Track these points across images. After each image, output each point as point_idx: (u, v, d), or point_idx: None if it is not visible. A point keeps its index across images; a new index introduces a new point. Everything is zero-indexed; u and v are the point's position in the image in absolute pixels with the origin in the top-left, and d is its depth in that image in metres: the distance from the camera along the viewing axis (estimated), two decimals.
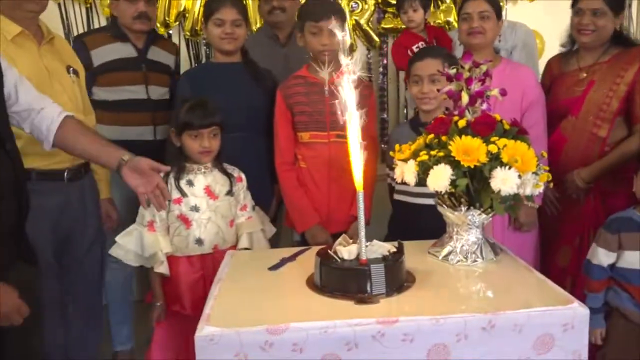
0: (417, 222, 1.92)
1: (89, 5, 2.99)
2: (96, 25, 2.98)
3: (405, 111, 3.34)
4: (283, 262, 1.56)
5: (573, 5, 2.33)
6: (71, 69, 2.06)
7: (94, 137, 1.67)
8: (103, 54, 2.44)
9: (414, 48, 2.77)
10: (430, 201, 1.87)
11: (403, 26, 2.97)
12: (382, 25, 3.28)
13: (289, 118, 2.23)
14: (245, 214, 2.04)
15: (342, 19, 2.17)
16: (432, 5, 3.19)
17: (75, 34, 2.94)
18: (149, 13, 2.48)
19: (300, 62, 2.60)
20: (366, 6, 3.24)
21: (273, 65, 2.47)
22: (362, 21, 3.25)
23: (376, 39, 3.29)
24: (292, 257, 1.59)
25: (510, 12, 3.10)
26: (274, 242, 2.32)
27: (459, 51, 2.57)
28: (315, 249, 1.63)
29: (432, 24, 3.22)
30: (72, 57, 2.14)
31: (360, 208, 1.34)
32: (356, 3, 3.20)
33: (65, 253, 2.03)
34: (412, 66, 2.02)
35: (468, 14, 2.25)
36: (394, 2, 3.11)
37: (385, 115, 3.37)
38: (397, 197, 2.07)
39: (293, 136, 2.25)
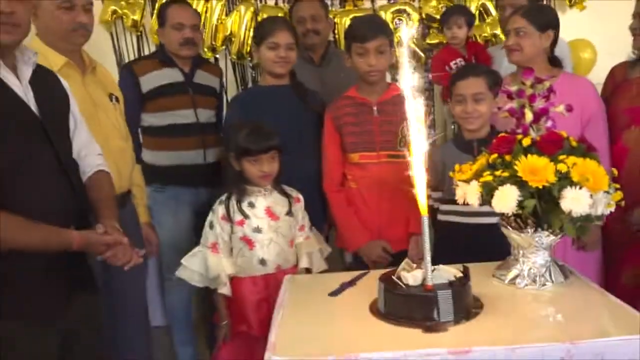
0: (468, 242, 1.88)
1: (139, 34, 3.07)
2: (147, 53, 3.04)
3: (452, 127, 3.28)
4: (343, 287, 1.53)
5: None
6: (113, 96, 2.08)
7: (106, 196, 1.63)
8: (151, 80, 2.48)
9: (452, 64, 2.75)
10: (481, 220, 1.84)
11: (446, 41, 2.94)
12: (427, 41, 3.24)
13: (337, 139, 2.22)
14: (304, 234, 2.05)
15: (389, 38, 2.15)
16: (476, 19, 3.17)
17: (126, 60, 3.02)
18: (195, 39, 2.51)
19: (336, 82, 2.60)
20: (410, 22, 3.21)
21: (308, 85, 2.47)
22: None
23: (421, 54, 3.25)
24: (352, 282, 1.57)
25: (561, 22, 3.01)
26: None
27: (501, 67, 2.52)
28: (374, 273, 1.60)
29: (478, 37, 3.19)
30: (112, 84, 2.16)
31: (425, 232, 1.30)
32: (400, 20, 3.18)
33: (107, 279, 2.05)
34: (454, 85, 1.98)
35: (507, 31, 2.20)
36: (439, 17, 3.08)
37: (432, 132, 3.31)
38: (442, 217, 2.02)
39: (341, 157, 2.23)
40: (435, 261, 1.33)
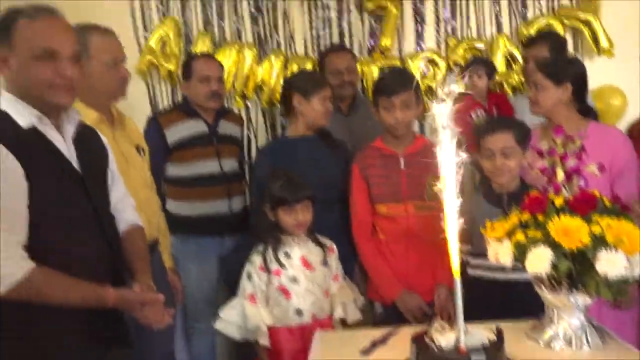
0: (500, 298, 1.84)
1: (174, 83, 3.18)
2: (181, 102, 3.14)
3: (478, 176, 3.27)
4: (374, 345, 1.52)
5: None
6: (140, 148, 2.13)
7: (140, 252, 1.67)
8: (177, 132, 2.54)
9: (473, 114, 2.76)
10: (513, 275, 1.80)
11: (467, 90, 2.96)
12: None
13: (365, 188, 2.24)
14: (338, 283, 2.08)
15: (416, 91, 2.17)
16: (504, 67, 3.19)
17: (161, 109, 3.11)
18: (220, 91, 2.60)
19: (363, 130, 2.64)
20: (438, 70, 3.25)
21: (335, 133, 2.50)
22: (435, 85, 3.26)
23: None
24: (383, 340, 1.55)
25: (589, 69, 2.99)
26: None
27: (524, 117, 2.54)
28: (404, 329, 1.59)
29: (505, 83, 3.20)
30: (138, 135, 2.21)
31: (457, 295, 1.30)
32: (427, 68, 3.23)
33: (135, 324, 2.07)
34: (482, 139, 1.98)
35: (529, 84, 2.21)
36: (464, 64, 3.12)
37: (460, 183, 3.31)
38: (472, 272, 1.99)
39: (370, 207, 2.25)
40: (466, 318, 1.32)
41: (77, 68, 1.44)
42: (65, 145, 1.48)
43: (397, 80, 2.20)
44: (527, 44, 2.82)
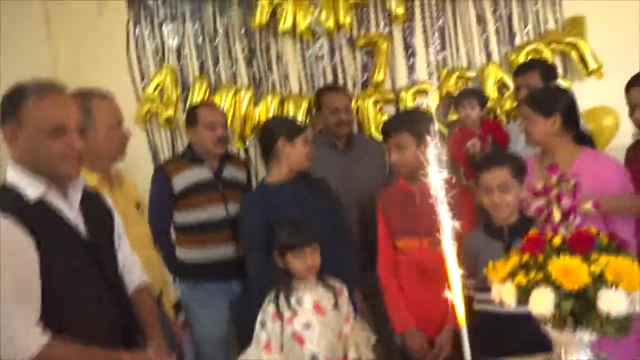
0: (508, 333, 1.85)
1: (173, 129, 3.23)
2: (179, 148, 3.19)
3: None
4: None
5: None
6: (139, 205, 2.15)
7: (150, 314, 1.71)
8: (183, 180, 2.58)
9: (468, 144, 2.81)
10: (518, 309, 1.80)
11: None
12: (449, 118, 3.32)
13: (385, 224, 2.31)
14: (349, 324, 2.09)
15: (412, 132, 2.15)
16: (496, 93, 3.25)
17: (161, 156, 3.16)
18: (226, 136, 2.65)
19: (360, 166, 2.70)
20: (431, 101, 3.31)
21: (333, 171, 2.54)
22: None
23: (444, 130, 3.33)
24: None
25: (579, 90, 3.05)
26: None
27: (518, 143, 2.57)
28: None
29: (499, 109, 3.26)
30: (135, 191, 2.22)
31: (465, 342, 1.32)
32: (421, 100, 3.29)
33: None
34: (479, 175, 2.02)
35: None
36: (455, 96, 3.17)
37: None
38: (478, 307, 2.01)
39: (392, 240, 2.30)
40: (474, 355, 1.33)
41: (82, 138, 1.49)
42: (72, 214, 1.52)
43: (388, 123, 2.27)
44: (517, 72, 2.87)
